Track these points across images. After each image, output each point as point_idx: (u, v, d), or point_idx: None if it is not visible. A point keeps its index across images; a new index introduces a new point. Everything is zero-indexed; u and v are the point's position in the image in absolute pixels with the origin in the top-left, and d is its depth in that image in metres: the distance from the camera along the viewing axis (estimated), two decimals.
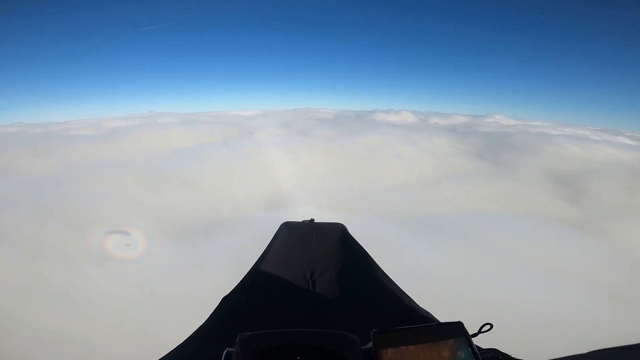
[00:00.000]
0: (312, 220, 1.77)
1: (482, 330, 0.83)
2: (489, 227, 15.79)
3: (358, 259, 1.55)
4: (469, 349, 0.70)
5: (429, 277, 8.78)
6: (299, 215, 1.93)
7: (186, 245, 11.54)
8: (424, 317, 1.18)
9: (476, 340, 0.76)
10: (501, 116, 76.67)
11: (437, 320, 1.12)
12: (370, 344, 0.73)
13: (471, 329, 0.77)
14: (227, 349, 0.75)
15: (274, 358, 0.68)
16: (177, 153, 26.70)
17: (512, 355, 0.84)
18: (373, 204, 17.19)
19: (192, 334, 1.15)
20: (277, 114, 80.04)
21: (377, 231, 11.72)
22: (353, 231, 1.68)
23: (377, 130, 39.89)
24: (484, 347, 0.84)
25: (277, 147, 29.46)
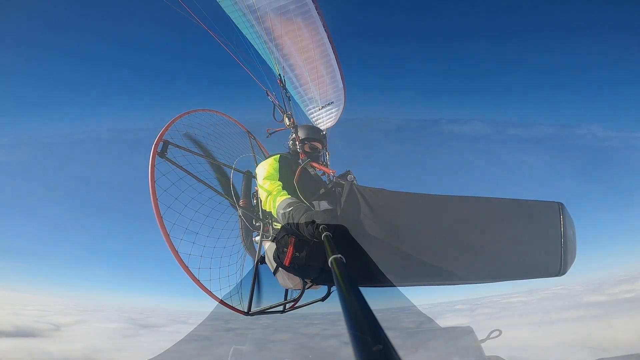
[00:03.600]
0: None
1: (491, 336, 0.86)
2: None
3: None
4: (478, 354, 0.73)
5: None
6: None
7: None
8: (425, 319, 1.27)
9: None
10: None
11: (437, 324, 2.00)
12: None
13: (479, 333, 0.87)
14: (235, 346, 1.06)
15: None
16: None
17: None
18: None
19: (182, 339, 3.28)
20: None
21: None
22: None
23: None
24: (487, 355, 0.82)
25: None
